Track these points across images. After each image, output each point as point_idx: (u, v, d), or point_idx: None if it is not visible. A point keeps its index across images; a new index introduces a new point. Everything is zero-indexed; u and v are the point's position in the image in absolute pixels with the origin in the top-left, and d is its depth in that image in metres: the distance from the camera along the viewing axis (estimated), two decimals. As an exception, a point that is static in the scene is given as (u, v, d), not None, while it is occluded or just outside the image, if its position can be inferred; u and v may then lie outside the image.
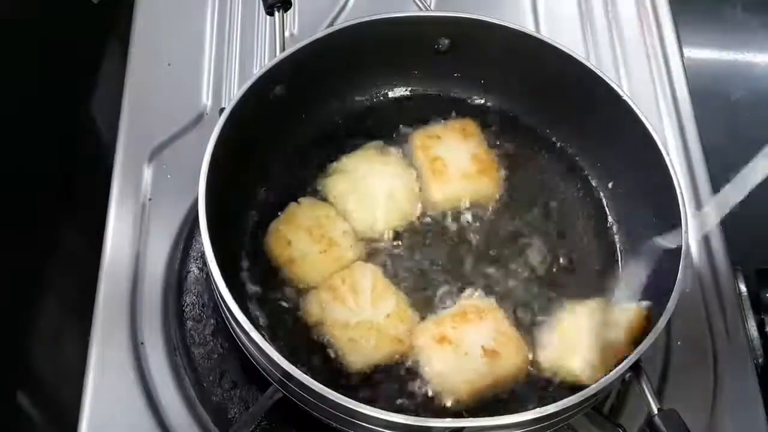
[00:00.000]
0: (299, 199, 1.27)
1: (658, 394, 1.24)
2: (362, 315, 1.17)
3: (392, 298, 1.19)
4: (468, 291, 1.23)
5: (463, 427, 0.99)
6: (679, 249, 1.12)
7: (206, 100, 1.50)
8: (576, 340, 1.16)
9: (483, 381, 1.12)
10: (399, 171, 1.31)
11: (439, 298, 1.23)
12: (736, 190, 1.00)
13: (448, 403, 1.13)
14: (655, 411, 1.06)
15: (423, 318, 1.20)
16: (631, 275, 1.21)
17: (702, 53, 1.86)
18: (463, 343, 1.14)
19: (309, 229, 1.24)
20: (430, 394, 1.14)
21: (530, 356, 1.17)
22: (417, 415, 1.08)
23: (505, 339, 1.16)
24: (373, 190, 1.28)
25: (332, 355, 1.16)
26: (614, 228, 1.32)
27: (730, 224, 1.42)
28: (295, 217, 1.25)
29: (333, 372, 1.15)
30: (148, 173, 1.40)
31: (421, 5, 1.36)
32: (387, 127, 1.37)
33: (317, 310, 1.18)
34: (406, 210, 1.29)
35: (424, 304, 1.22)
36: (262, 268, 1.23)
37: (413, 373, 1.16)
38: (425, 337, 1.15)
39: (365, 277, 1.20)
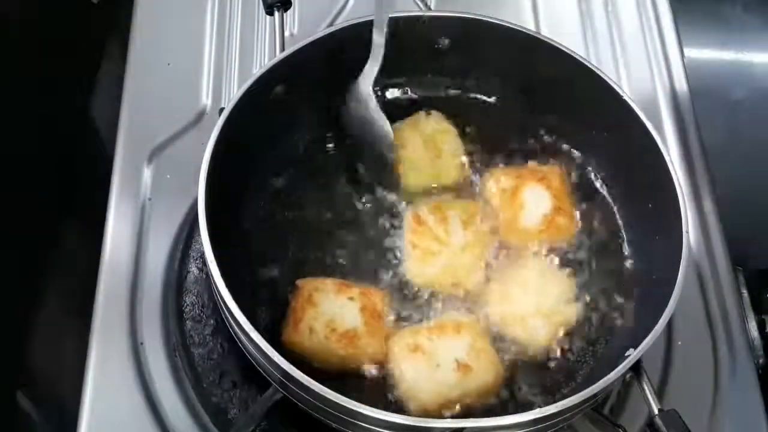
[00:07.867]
0: (431, 111, 1.35)
1: (659, 395, 1.23)
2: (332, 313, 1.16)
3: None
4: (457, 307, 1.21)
5: (464, 428, 0.99)
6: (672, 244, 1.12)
7: (206, 100, 1.50)
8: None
9: (450, 394, 1.11)
10: None
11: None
12: None
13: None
14: (656, 411, 1.06)
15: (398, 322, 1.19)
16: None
17: (702, 53, 1.86)
18: (437, 355, 1.13)
19: (425, 137, 1.32)
20: (392, 398, 1.13)
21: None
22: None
23: (480, 355, 1.14)
24: None
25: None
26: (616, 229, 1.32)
27: (730, 224, 1.43)
28: (417, 124, 1.33)
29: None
30: (147, 173, 1.40)
31: (421, 5, 1.36)
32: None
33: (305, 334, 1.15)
34: None
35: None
36: (262, 268, 1.23)
37: (383, 376, 1.15)
38: (400, 346, 1.15)
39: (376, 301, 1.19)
